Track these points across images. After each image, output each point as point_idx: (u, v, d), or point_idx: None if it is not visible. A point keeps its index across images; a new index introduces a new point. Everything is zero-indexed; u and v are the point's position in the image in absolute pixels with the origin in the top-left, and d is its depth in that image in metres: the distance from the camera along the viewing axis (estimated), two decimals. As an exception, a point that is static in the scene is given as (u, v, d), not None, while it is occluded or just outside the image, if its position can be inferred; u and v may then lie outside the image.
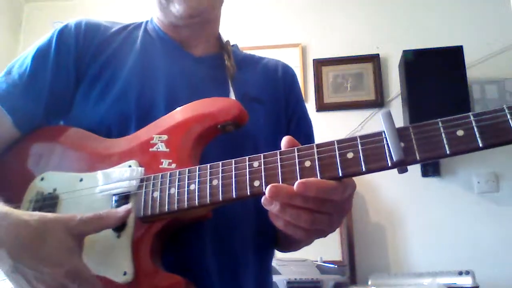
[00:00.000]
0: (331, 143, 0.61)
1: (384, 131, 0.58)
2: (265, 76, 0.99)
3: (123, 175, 0.73)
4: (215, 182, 0.66)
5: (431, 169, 2.52)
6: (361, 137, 0.60)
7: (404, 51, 2.53)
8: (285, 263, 2.09)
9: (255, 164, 0.64)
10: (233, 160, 0.66)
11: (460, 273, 2.04)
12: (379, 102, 2.72)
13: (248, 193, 0.63)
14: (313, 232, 0.64)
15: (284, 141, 0.65)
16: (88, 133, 0.83)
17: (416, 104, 2.43)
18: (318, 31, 2.87)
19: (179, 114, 0.79)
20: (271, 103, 0.95)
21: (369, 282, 2.21)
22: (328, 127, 2.70)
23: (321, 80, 2.79)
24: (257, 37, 2.83)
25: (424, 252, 2.49)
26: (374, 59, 2.77)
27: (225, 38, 1.02)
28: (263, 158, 0.64)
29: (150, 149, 0.76)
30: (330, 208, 0.61)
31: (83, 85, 0.88)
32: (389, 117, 0.58)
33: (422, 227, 2.48)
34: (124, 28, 0.97)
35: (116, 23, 0.98)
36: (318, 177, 0.60)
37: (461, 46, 2.45)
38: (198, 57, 0.95)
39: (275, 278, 2.10)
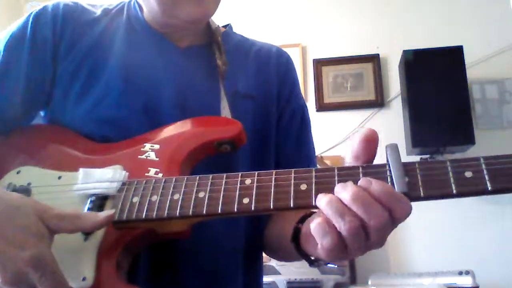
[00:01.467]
0: (331, 169, 0.58)
1: (389, 163, 0.56)
2: (257, 65, 0.92)
3: (105, 176, 0.69)
4: (201, 194, 0.62)
5: (431, 169, 2.52)
6: (364, 167, 0.57)
7: (404, 51, 2.53)
8: (285, 263, 2.09)
9: (248, 181, 0.61)
10: (224, 175, 0.63)
11: (460, 273, 2.04)
12: (379, 102, 2.72)
13: (235, 210, 0.59)
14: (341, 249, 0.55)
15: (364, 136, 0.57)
16: (75, 134, 0.79)
17: (416, 104, 2.43)
18: (318, 31, 2.87)
19: (177, 126, 0.76)
20: (261, 97, 0.88)
21: (369, 282, 2.21)
22: (328, 127, 2.70)
23: (321, 80, 2.79)
24: (257, 37, 2.83)
25: (424, 252, 2.50)
26: (374, 59, 2.77)
27: (216, 23, 0.94)
28: (257, 176, 0.61)
29: (139, 156, 0.72)
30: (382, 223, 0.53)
31: (61, 79, 0.82)
32: (395, 150, 0.56)
33: (422, 227, 2.48)
34: (105, 13, 0.88)
35: (96, 6, 0.90)
36: (313, 202, 0.56)
37: (461, 46, 2.45)
38: (184, 49, 0.87)
39: (275, 278, 2.10)
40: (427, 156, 2.48)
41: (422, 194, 0.53)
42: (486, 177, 0.52)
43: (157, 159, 0.71)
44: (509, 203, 2.51)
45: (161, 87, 0.81)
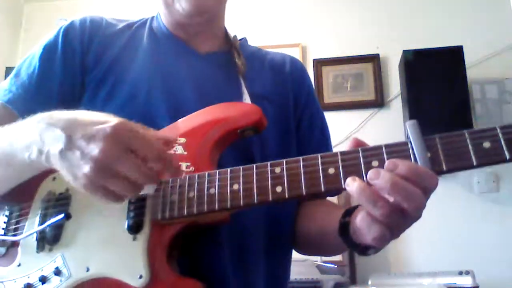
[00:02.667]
0: (355, 151, 0.60)
1: (410, 141, 0.58)
2: (273, 72, 0.97)
3: None
4: (235, 186, 0.65)
5: (431, 169, 2.52)
6: (386, 145, 0.59)
7: (404, 51, 2.53)
8: (285, 263, 2.09)
9: (277, 169, 0.63)
10: (254, 165, 0.65)
11: (460, 273, 2.04)
12: (379, 102, 2.72)
13: (270, 199, 0.62)
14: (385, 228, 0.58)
15: (351, 143, 0.62)
16: None
17: (416, 104, 2.43)
18: (318, 31, 2.87)
19: (199, 117, 0.77)
20: (279, 101, 0.92)
21: (369, 282, 2.21)
22: (328, 127, 2.70)
23: (321, 80, 2.79)
24: (257, 37, 2.82)
25: (424, 252, 2.49)
26: (374, 59, 2.77)
27: (232, 33, 1.00)
28: (285, 164, 0.63)
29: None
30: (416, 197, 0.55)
31: (89, 86, 0.87)
32: (416, 127, 0.58)
33: (422, 227, 2.47)
34: (129, 26, 0.95)
35: (121, 20, 0.97)
36: (342, 185, 0.59)
37: (461, 46, 2.45)
38: (205, 55, 0.93)
39: (275, 278, 2.10)
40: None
41: (444, 168, 0.55)
42: (504, 147, 0.54)
43: (186, 153, 0.74)
44: (510, 203, 2.51)
45: (184, 91, 0.85)
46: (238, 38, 1.00)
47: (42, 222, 0.75)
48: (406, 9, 2.82)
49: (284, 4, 2.93)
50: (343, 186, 0.58)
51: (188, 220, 0.68)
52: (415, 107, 2.42)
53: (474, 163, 0.54)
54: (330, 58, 2.81)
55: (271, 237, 0.85)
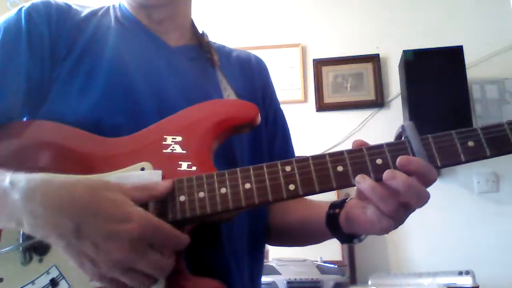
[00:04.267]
0: (360, 150, 0.65)
1: (409, 140, 0.64)
2: (240, 69, 0.97)
3: (141, 179, 0.67)
4: (247, 185, 0.66)
5: (431, 169, 2.52)
6: (388, 144, 0.65)
7: (404, 51, 2.53)
8: (285, 263, 2.09)
9: (288, 168, 0.66)
10: (264, 165, 0.67)
11: (460, 273, 2.04)
12: (379, 102, 2.72)
13: (285, 196, 0.65)
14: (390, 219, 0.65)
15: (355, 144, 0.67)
16: (81, 131, 0.75)
17: (416, 104, 2.42)
18: (318, 31, 2.87)
19: (192, 113, 0.75)
20: (250, 97, 0.91)
21: (369, 282, 2.21)
22: (328, 127, 2.70)
23: (321, 80, 2.79)
24: (257, 37, 2.83)
25: (424, 252, 2.49)
26: (374, 59, 2.77)
27: (200, 29, 0.98)
28: (296, 163, 0.66)
29: (164, 150, 0.71)
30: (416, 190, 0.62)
31: (58, 77, 0.80)
32: (413, 127, 0.65)
33: (422, 227, 2.48)
34: (93, 14, 0.90)
35: (83, 6, 0.92)
36: (352, 182, 0.64)
37: (461, 46, 2.45)
38: (175, 48, 0.90)
39: (275, 278, 2.10)
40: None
41: (439, 164, 0.63)
42: (485, 145, 0.63)
43: (184, 151, 0.71)
44: (510, 203, 2.51)
45: (168, 86, 0.83)
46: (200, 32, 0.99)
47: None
48: (406, 9, 2.81)
49: (284, 4, 2.93)
50: (353, 182, 0.64)
51: (198, 220, 0.67)
52: (415, 107, 2.42)
53: (463, 159, 0.63)
54: (330, 58, 2.81)
55: (253, 236, 0.87)
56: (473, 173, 2.54)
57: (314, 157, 0.66)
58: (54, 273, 0.66)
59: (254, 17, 2.90)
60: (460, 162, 0.63)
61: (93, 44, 0.84)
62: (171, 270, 0.61)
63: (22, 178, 0.60)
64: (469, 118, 2.36)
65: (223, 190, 0.66)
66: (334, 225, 0.77)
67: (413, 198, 0.61)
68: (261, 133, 0.94)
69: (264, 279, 2.09)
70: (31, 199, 0.57)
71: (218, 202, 0.65)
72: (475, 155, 0.63)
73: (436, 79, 2.43)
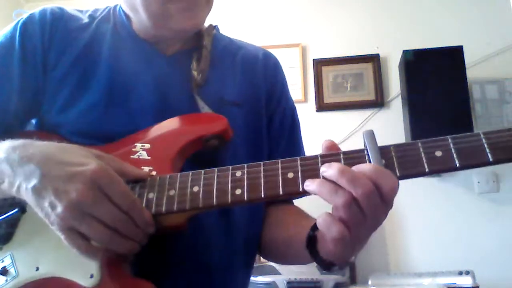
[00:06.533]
0: (315, 157, 0.62)
1: (366, 148, 0.61)
2: (243, 72, 0.92)
3: None
4: (195, 188, 0.65)
5: (431, 169, 2.52)
6: (344, 152, 0.62)
7: (404, 51, 2.53)
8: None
9: (238, 173, 0.65)
10: (216, 169, 0.66)
11: (460, 273, 2.05)
12: (379, 102, 2.72)
13: (229, 201, 0.63)
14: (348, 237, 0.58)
15: (324, 145, 0.63)
16: (61, 139, 0.77)
17: (416, 104, 2.43)
18: (318, 31, 2.87)
19: (165, 125, 0.78)
20: (250, 104, 0.89)
21: (369, 282, 2.21)
22: (328, 127, 2.70)
23: (321, 80, 2.79)
24: (257, 37, 2.83)
25: (424, 252, 2.49)
26: (374, 59, 2.77)
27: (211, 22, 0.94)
28: (247, 168, 0.65)
29: (131, 156, 0.74)
30: (374, 202, 0.56)
31: (49, 86, 0.82)
32: (372, 136, 0.61)
33: (422, 227, 2.48)
34: (91, 20, 0.88)
35: (83, 11, 0.91)
36: (300, 188, 0.60)
37: (461, 46, 2.45)
38: (171, 56, 0.88)
39: (275, 278, 2.10)
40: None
41: (398, 174, 0.59)
42: (455, 155, 0.58)
43: (149, 157, 0.74)
44: (510, 203, 2.51)
45: (144, 94, 0.82)
46: (208, 25, 0.95)
47: None
48: (406, 9, 2.82)
49: (284, 4, 2.93)
50: (300, 189, 0.60)
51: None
52: (415, 107, 2.42)
53: (426, 170, 0.59)
54: (330, 58, 2.81)
55: (246, 249, 0.85)
56: (473, 173, 2.54)
57: (266, 163, 0.64)
58: (7, 262, 0.70)
59: (254, 17, 2.91)
60: (423, 173, 0.59)
61: (86, 54, 0.84)
62: (129, 245, 0.62)
63: (7, 141, 0.68)
64: (469, 118, 2.36)
65: (172, 192, 0.66)
66: (313, 248, 0.69)
67: (350, 185, 0.55)
68: (261, 143, 0.90)
69: (264, 279, 2.09)
70: (11, 152, 0.65)
71: (164, 203, 0.66)
72: (442, 166, 0.58)
73: (436, 79, 2.43)
